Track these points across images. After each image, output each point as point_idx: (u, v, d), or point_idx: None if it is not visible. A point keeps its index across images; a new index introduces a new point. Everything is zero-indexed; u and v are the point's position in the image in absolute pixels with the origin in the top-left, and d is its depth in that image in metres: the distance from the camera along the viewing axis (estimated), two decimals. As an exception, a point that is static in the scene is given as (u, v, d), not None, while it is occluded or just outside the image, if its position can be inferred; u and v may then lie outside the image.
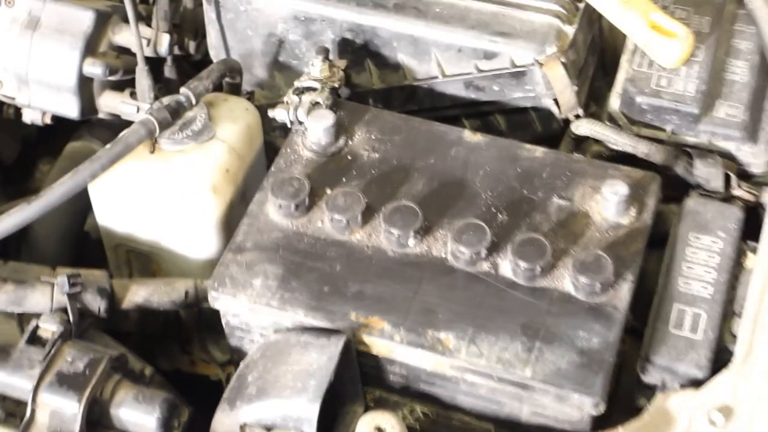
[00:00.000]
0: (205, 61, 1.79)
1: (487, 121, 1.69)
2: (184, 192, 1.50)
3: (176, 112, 1.52)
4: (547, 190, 1.44)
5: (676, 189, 1.51)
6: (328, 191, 1.44)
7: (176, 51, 1.80)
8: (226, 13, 1.71)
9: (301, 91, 1.55)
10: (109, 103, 1.75)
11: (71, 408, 1.26)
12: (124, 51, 1.75)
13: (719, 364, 1.30)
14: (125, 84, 1.75)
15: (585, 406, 1.26)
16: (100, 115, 1.78)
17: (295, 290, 1.34)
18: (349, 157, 1.49)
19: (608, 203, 1.39)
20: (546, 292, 1.33)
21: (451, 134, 1.52)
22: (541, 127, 1.66)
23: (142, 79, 1.70)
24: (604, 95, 1.68)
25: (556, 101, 1.59)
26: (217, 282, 1.36)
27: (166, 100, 1.53)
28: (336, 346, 1.27)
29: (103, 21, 1.72)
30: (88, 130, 1.86)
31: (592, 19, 1.67)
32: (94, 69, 1.70)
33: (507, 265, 1.35)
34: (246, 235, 1.40)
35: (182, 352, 1.61)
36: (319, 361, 1.27)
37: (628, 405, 1.36)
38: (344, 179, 1.46)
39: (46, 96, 1.73)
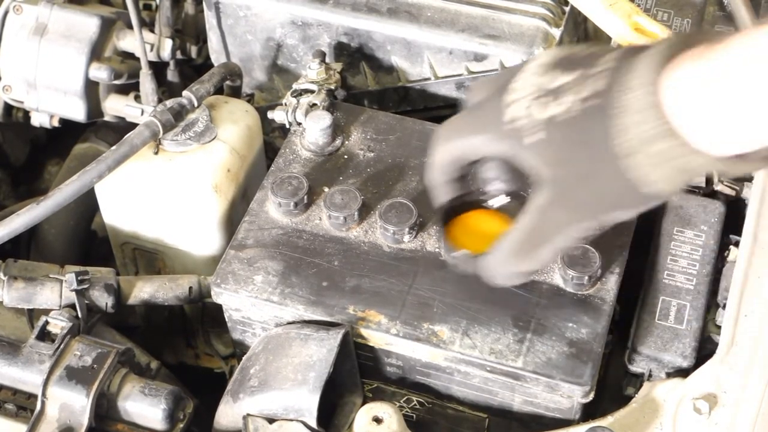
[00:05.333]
0: (207, 65, 1.77)
1: (477, 120, 1.68)
2: (187, 191, 1.49)
3: (179, 114, 1.51)
4: (536, 187, 1.42)
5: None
6: (326, 189, 1.42)
7: (178, 55, 1.79)
8: (226, 19, 1.69)
9: (298, 93, 1.54)
10: (115, 106, 1.74)
11: (80, 401, 1.25)
12: (128, 56, 1.73)
13: (704, 354, 1.30)
14: (130, 88, 1.74)
15: (575, 394, 1.25)
16: (106, 118, 1.77)
17: (295, 285, 1.33)
18: (346, 157, 1.48)
19: (595, 199, 1.37)
20: (536, 285, 1.32)
21: (444, 134, 1.50)
22: (529, 126, 1.64)
23: (146, 82, 1.68)
24: (590, 95, 1.67)
25: (544, 101, 1.58)
26: (219, 278, 1.34)
27: (169, 102, 1.51)
28: (335, 339, 1.26)
29: (108, 27, 1.71)
30: (94, 133, 1.85)
31: (578, 22, 1.66)
32: (100, 73, 1.68)
33: (498, 260, 1.34)
34: (247, 233, 1.39)
35: (187, 345, 1.60)
36: (319, 353, 1.25)
37: (616, 394, 1.35)
38: (341, 178, 1.45)
39: (54, 99, 1.72)
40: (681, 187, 1.02)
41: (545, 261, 1.13)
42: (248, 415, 1.26)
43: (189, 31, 1.86)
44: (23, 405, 1.30)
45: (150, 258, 1.59)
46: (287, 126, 1.52)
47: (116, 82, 1.71)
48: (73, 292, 1.37)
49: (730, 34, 0.94)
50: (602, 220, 1.07)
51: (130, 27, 1.68)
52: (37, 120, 1.79)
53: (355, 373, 1.32)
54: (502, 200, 1.29)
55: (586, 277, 1.30)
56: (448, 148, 1.16)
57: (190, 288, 1.44)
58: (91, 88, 1.71)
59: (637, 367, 1.31)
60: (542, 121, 1.04)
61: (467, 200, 1.28)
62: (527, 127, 1.05)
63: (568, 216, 1.06)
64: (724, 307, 1.32)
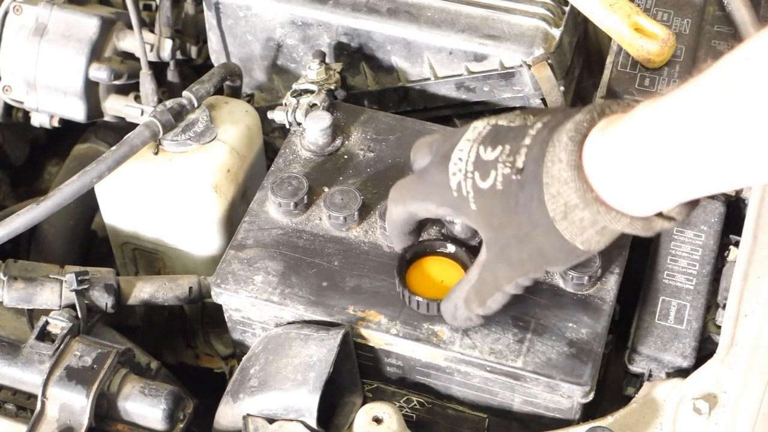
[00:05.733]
0: (207, 65, 1.77)
1: (477, 120, 1.68)
2: (187, 191, 1.49)
3: (179, 114, 1.51)
4: (536, 187, 1.42)
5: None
6: (326, 189, 1.42)
7: (178, 56, 1.78)
8: (226, 19, 1.69)
9: (298, 94, 1.54)
10: (115, 107, 1.74)
11: (80, 401, 1.25)
12: (128, 56, 1.73)
13: (704, 354, 1.29)
14: (130, 88, 1.74)
15: (575, 394, 1.25)
16: (106, 118, 1.77)
17: (294, 285, 1.33)
18: (346, 157, 1.48)
19: (595, 199, 1.37)
20: (536, 285, 1.31)
21: (444, 134, 1.50)
22: (529, 126, 1.64)
23: (146, 83, 1.68)
24: (590, 95, 1.67)
25: (544, 101, 1.58)
26: (219, 278, 1.34)
27: (169, 103, 1.51)
28: (335, 339, 1.26)
29: (107, 27, 1.71)
30: (94, 133, 1.85)
31: (578, 22, 1.66)
32: (100, 74, 1.68)
33: (498, 260, 1.34)
34: (247, 233, 1.39)
35: (187, 346, 1.59)
36: (319, 353, 1.25)
37: (616, 394, 1.35)
38: (341, 178, 1.45)
39: (54, 100, 1.72)
40: (608, 243, 1.11)
41: (496, 306, 1.23)
42: (248, 415, 1.26)
43: (189, 32, 1.86)
44: (23, 405, 1.30)
45: (150, 258, 1.59)
46: (287, 126, 1.52)
47: (116, 82, 1.70)
48: (73, 293, 1.37)
49: (644, 101, 1.02)
50: (544, 272, 1.21)
51: (130, 27, 1.68)
52: (37, 120, 1.79)
53: (355, 373, 1.32)
54: (452, 248, 1.34)
55: (586, 277, 1.30)
56: (402, 209, 1.27)
57: (190, 288, 1.44)
58: (91, 89, 1.71)
59: (637, 367, 1.31)
60: (481, 191, 1.15)
61: (421, 248, 1.34)
62: (470, 195, 1.16)
63: (510, 270, 1.18)
64: (724, 307, 1.32)
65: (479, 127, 1.19)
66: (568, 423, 1.28)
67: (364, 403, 1.30)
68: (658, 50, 1.50)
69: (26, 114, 1.81)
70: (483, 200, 1.15)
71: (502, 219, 1.14)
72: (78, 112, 1.73)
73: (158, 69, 1.74)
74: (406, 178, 1.28)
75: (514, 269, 1.17)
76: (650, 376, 1.31)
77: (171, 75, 1.80)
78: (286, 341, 1.29)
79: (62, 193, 1.41)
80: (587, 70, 1.73)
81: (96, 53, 1.69)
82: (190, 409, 1.30)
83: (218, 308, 1.38)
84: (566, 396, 1.25)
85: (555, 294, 1.31)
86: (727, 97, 0.91)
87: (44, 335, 1.32)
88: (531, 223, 1.11)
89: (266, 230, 1.39)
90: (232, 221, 1.51)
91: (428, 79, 1.63)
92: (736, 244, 1.38)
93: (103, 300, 1.40)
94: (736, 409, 1.21)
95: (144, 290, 1.44)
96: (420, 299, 1.28)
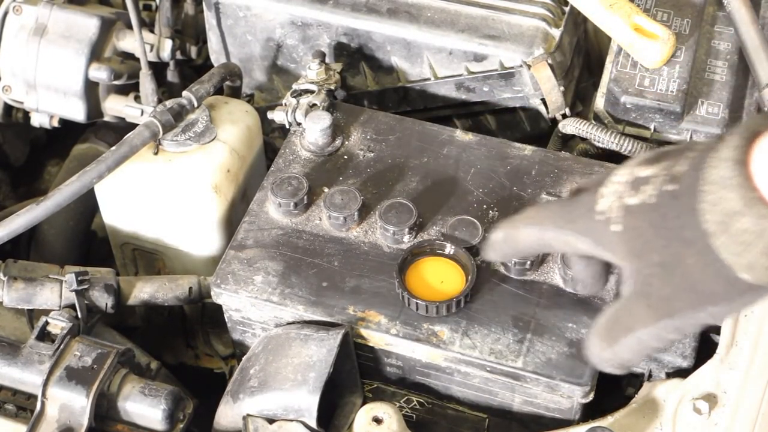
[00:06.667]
0: (206, 65, 1.77)
1: (477, 120, 1.68)
2: (187, 192, 1.49)
3: (179, 114, 1.51)
4: (535, 187, 1.43)
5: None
6: (326, 190, 1.42)
7: (178, 56, 1.78)
8: (225, 19, 1.69)
9: (298, 94, 1.54)
10: (114, 107, 1.74)
11: (80, 401, 1.25)
12: (128, 56, 1.73)
13: (704, 355, 1.29)
14: (130, 88, 1.74)
15: (575, 395, 1.25)
16: (106, 118, 1.77)
17: (294, 286, 1.33)
18: (346, 157, 1.48)
19: (595, 199, 1.37)
20: (536, 286, 1.32)
21: (444, 134, 1.50)
22: (529, 126, 1.65)
23: (146, 83, 1.68)
24: (590, 95, 1.67)
25: (543, 101, 1.58)
26: (219, 278, 1.34)
27: (169, 103, 1.51)
28: (335, 339, 1.26)
29: (107, 27, 1.71)
30: (94, 133, 1.85)
31: (578, 22, 1.66)
32: (100, 74, 1.68)
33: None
34: (247, 233, 1.39)
35: (187, 346, 1.59)
36: (319, 353, 1.25)
37: (616, 394, 1.35)
38: (341, 178, 1.45)
39: (54, 100, 1.72)
40: None
41: (628, 356, 1.06)
42: (248, 415, 1.26)
43: (189, 32, 1.86)
44: (23, 405, 1.30)
45: (150, 258, 1.59)
46: (287, 126, 1.52)
47: (116, 82, 1.70)
48: (73, 293, 1.37)
49: None
50: (696, 319, 0.98)
51: (130, 27, 1.68)
52: (37, 120, 1.79)
53: (355, 374, 1.32)
54: (452, 249, 1.33)
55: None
56: (536, 232, 1.12)
57: (190, 288, 1.44)
58: (90, 89, 1.71)
59: (637, 367, 1.31)
60: (628, 208, 0.99)
61: (421, 249, 1.34)
62: (614, 216, 1.00)
63: (648, 311, 1.00)
64: (723, 307, 1.32)
65: (649, 151, 1.05)
66: (568, 423, 1.28)
67: (364, 403, 1.30)
68: (658, 50, 1.50)
69: (26, 114, 1.81)
70: (629, 219, 0.98)
71: (647, 239, 0.96)
72: (78, 112, 1.73)
73: (158, 69, 1.74)
74: (548, 202, 1.12)
75: (653, 309, 0.98)
76: (650, 376, 1.31)
77: (171, 75, 1.80)
78: (286, 341, 1.29)
79: (62, 193, 1.41)
80: (587, 70, 1.74)
81: (96, 53, 1.69)
82: (190, 409, 1.30)
83: (218, 308, 1.38)
84: (566, 396, 1.25)
85: (555, 294, 1.31)
86: None
87: (44, 335, 1.32)
88: (682, 242, 0.93)
89: (266, 230, 1.39)
90: (232, 221, 1.51)
91: (428, 79, 1.63)
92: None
93: (103, 300, 1.40)
94: (736, 409, 1.21)
95: (144, 290, 1.44)
96: (419, 301, 1.28)
